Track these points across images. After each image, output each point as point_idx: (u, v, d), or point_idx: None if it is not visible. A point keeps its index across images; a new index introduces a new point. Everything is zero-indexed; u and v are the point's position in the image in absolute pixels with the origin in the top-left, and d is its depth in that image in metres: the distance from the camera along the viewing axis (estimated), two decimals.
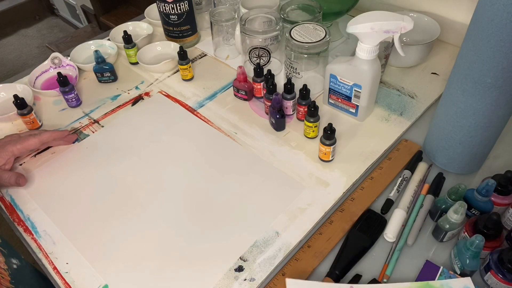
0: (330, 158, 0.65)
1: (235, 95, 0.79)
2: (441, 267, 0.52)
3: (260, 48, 0.77)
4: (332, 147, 0.63)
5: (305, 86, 0.68)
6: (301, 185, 0.63)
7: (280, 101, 0.68)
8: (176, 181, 0.65)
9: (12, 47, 2.62)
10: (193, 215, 0.60)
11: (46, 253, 0.57)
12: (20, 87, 0.80)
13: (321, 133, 0.64)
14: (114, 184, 0.65)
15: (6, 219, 0.63)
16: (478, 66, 0.50)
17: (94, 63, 0.83)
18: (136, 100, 0.81)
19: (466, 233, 0.53)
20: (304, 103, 0.69)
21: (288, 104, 0.72)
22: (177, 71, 0.86)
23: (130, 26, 0.96)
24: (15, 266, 0.53)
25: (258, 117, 0.75)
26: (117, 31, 0.94)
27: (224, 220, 0.59)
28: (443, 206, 0.56)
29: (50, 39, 2.62)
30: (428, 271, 0.52)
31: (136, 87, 0.84)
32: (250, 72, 0.78)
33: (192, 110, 0.77)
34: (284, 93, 0.71)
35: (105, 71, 0.83)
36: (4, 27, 2.72)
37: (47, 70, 0.86)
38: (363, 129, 0.71)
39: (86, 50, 0.91)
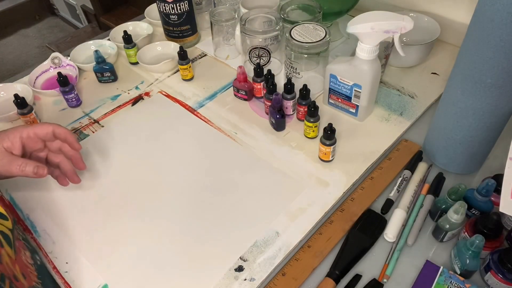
0: (330, 158, 0.65)
1: (235, 95, 0.79)
2: (441, 267, 0.52)
3: (260, 48, 0.77)
4: (332, 147, 0.63)
5: (305, 86, 0.68)
6: (301, 185, 0.63)
7: (280, 101, 0.68)
8: (176, 181, 0.65)
9: (12, 47, 2.63)
10: (193, 215, 0.60)
11: (45, 253, 0.57)
12: (20, 87, 0.80)
13: (321, 133, 0.64)
14: (114, 184, 0.65)
15: None
16: (478, 66, 0.50)
17: (94, 63, 0.83)
18: (136, 100, 0.81)
19: (466, 233, 0.53)
20: (304, 103, 0.69)
21: (288, 104, 0.72)
22: (177, 71, 0.86)
23: (130, 26, 0.96)
24: (38, 262, 0.53)
25: (258, 117, 0.75)
26: (117, 31, 0.94)
27: (224, 220, 0.59)
28: (443, 206, 0.56)
29: (50, 39, 2.62)
30: (428, 271, 0.52)
31: (136, 87, 0.84)
32: (250, 72, 0.78)
33: (192, 110, 0.77)
34: (284, 93, 0.71)
35: (105, 71, 0.83)
36: (4, 27, 2.72)
37: (47, 70, 0.86)
38: (363, 129, 0.71)
39: (86, 50, 0.91)
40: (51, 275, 0.55)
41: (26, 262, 0.49)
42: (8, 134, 0.57)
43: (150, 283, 0.53)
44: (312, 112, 0.66)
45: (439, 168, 0.64)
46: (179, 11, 0.86)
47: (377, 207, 0.60)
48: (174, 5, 0.85)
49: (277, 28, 0.76)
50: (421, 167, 0.63)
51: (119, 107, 0.79)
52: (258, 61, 0.79)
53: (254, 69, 0.74)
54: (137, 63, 0.88)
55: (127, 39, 0.85)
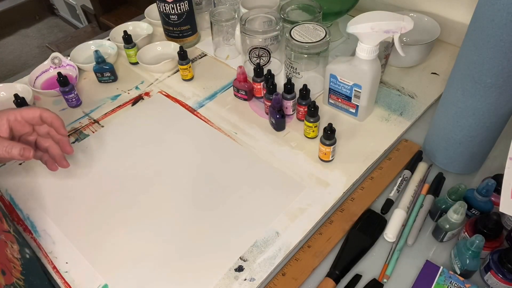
0: (330, 158, 0.65)
1: (235, 95, 0.79)
2: (441, 267, 0.52)
3: (260, 48, 0.77)
4: (332, 147, 0.63)
5: (305, 86, 0.68)
6: (301, 185, 0.63)
7: (280, 101, 0.68)
8: (176, 181, 0.65)
9: (12, 47, 2.63)
10: (193, 215, 0.60)
11: (45, 253, 0.57)
12: (20, 87, 0.80)
13: (321, 133, 0.64)
14: (114, 184, 0.65)
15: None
16: (478, 66, 0.50)
17: (94, 63, 0.83)
18: (136, 100, 0.81)
19: (466, 233, 0.53)
20: (304, 103, 0.69)
21: (288, 104, 0.72)
22: (177, 71, 0.86)
23: (130, 26, 0.96)
24: (27, 256, 0.52)
25: (258, 117, 0.75)
26: (117, 31, 0.94)
27: (224, 220, 0.59)
28: (443, 206, 0.56)
29: (50, 39, 2.62)
30: (428, 271, 0.52)
31: (136, 87, 0.84)
32: (250, 72, 0.78)
33: (192, 110, 0.77)
34: (284, 93, 0.71)
35: (105, 71, 0.83)
36: (4, 27, 2.72)
37: (47, 70, 0.86)
38: (363, 129, 0.71)
39: (86, 50, 0.91)
40: (40, 271, 0.55)
41: (12, 256, 0.48)
42: None
43: (150, 283, 0.53)
44: (312, 112, 0.66)
45: (439, 168, 0.64)
46: (179, 11, 0.86)
47: (377, 207, 0.60)
48: (174, 5, 0.85)
49: (277, 28, 0.76)
50: (421, 167, 0.63)
51: (119, 107, 0.79)
52: (258, 61, 0.79)
53: (254, 69, 0.74)
54: (137, 63, 0.88)
55: (127, 39, 0.85)
